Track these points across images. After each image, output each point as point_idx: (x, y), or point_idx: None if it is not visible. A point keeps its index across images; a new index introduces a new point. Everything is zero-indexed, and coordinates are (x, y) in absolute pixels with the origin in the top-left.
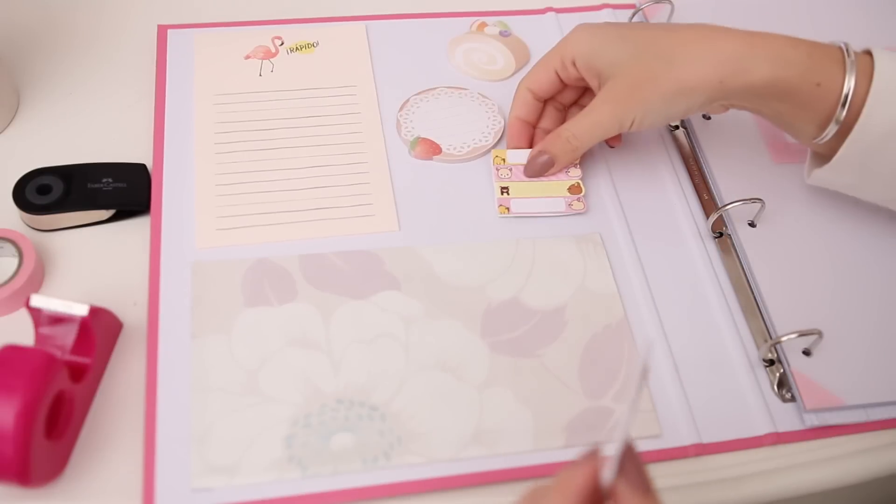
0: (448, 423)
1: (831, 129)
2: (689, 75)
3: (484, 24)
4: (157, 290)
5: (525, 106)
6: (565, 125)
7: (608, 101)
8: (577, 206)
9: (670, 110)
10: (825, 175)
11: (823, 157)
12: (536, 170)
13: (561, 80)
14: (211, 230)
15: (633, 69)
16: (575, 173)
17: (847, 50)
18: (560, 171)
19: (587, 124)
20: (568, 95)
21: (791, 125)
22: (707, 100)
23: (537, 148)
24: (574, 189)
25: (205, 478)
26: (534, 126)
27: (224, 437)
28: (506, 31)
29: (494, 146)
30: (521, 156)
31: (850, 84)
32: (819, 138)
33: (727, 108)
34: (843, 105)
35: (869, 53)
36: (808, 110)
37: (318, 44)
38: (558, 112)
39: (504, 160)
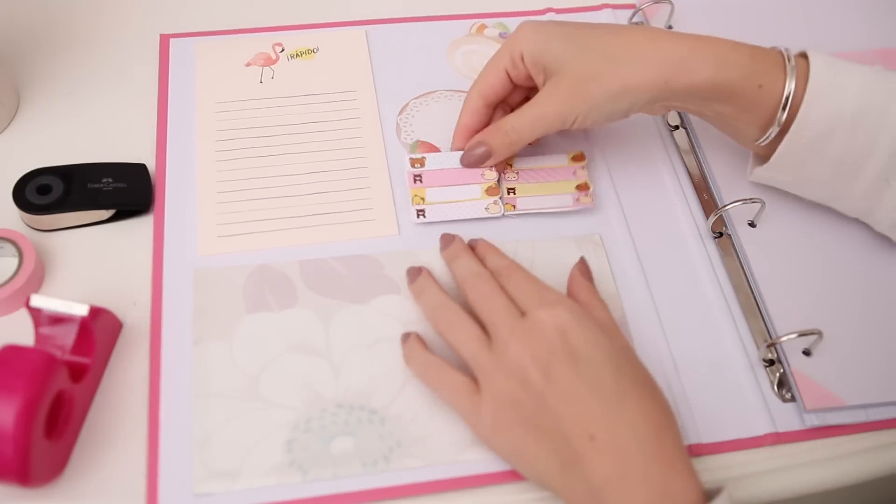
0: (447, 426)
1: (773, 131)
2: (633, 75)
3: (483, 27)
4: (159, 296)
5: (475, 114)
6: (506, 117)
7: (552, 96)
8: (585, 200)
9: (614, 108)
10: (766, 173)
11: (764, 156)
12: (473, 161)
13: (511, 81)
14: (213, 237)
15: (578, 66)
16: (582, 174)
17: (787, 53)
18: (496, 163)
19: (529, 117)
20: (516, 97)
21: (733, 127)
22: (651, 99)
23: (476, 138)
24: (582, 187)
25: (207, 483)
26: None
27: (225, 442)
28: (505, 33)
29: None
30: (443, 160)
31: (790, 86)
32: (761, 140)
33: (668, 110)
34: (784, 107)
35: (805, 56)
36: (750, 112)
37: (318, 50)
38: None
39: (423, 163)
